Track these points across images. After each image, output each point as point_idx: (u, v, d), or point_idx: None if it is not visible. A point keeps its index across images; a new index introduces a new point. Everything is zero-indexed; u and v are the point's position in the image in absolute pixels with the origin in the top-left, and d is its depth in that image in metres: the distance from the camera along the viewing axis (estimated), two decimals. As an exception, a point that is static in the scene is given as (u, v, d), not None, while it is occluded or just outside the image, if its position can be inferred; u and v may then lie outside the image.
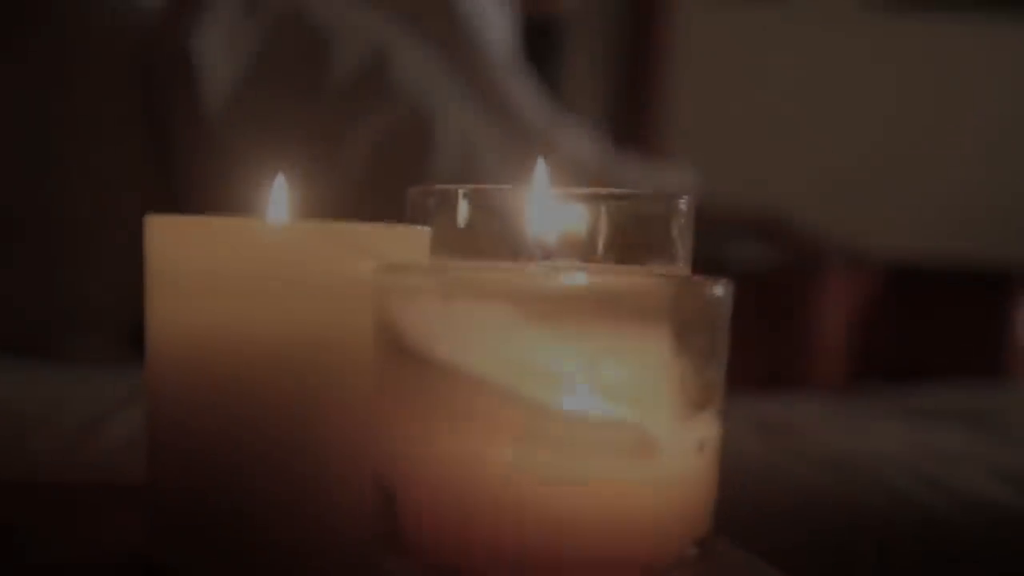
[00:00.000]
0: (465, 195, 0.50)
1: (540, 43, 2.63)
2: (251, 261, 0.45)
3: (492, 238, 0.51)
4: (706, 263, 1.33)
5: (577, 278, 0.43)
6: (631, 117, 3.09)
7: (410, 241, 0.48)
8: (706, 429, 0.42)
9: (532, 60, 2.58)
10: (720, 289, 0.43)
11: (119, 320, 0.93)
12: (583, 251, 0.49)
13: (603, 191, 0.50)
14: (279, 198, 0.49)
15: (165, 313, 0.46)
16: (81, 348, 0.95)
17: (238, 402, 0.45)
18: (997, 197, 3.16)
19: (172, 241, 0.46)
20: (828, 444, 0.78)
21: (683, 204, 0.50)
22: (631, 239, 0.49)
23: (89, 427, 0.71)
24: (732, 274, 1.27)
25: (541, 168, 0.51)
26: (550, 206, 0.50)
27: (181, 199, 1.03)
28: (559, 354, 0.41)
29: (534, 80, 1.85)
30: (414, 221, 0.52)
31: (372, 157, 1.04)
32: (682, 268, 0.50)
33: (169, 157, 1.03)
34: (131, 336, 0.93)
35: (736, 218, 1.75)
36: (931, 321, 1.27)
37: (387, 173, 1.05)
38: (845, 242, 1.77)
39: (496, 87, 1.74)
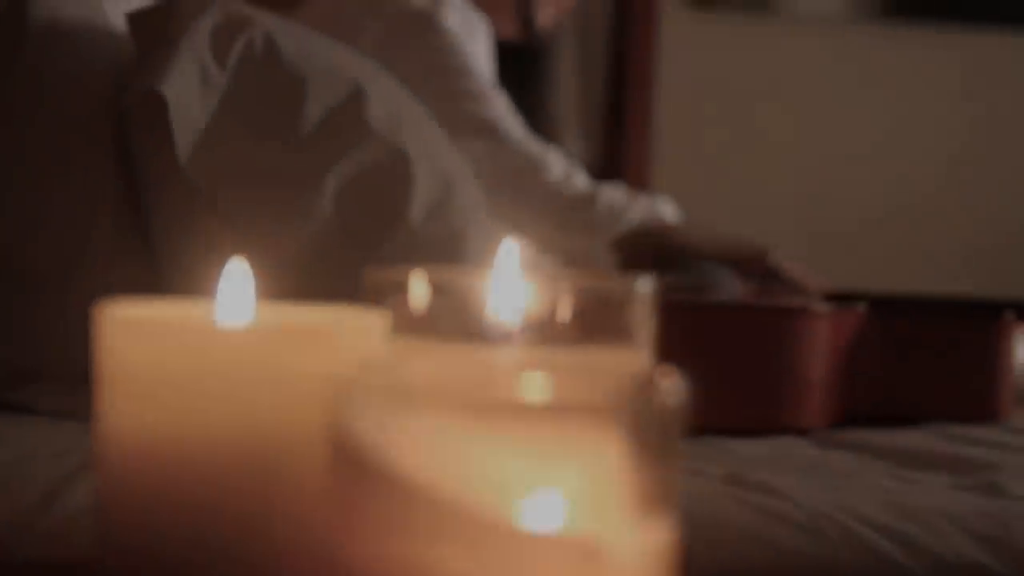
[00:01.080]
0: (423, 277, 0.49)
1: (522, 68, 2.63)
2: (203, 361, 0.44)
3: (452, 320, 0.50)
4: (688, 299, 1.30)
5: (528, 383, 0.42)
6: (614, 146, 3.08)
7: (367, 330, 0.47)
8: (660, 534, 0.41)
9: (514, 85, 2.57)
10: (673, 390, 0.42)
11: (86, 369, 0.92)
12: (543, 334, 0.48)
13: (563, 276, 0.49)
14: (237, 285, 0.48)
15: (116, 410, 0.46)
16: (46, 399, 0.94)
17: (191, 502, 0.45)
18: (989, 228, 3.15)
19: (123, 339, 0.45)
20: (806, 503, 0.77)
21: (643, 288, 0.49)
22: (591, 323, 0.48)
23: (50, 495, 0.70)
24: (714, 310, 1.24)
25: (504, 250, 0.50)
26: (510, 289, 0.49)
27: (156, 245, 1.02)
28: (510, 461, 0.40)
29: (516, 106, 1.85)
30: (372, 301, 0.51)
31: (348, 199, 1.03)
32: (642, 353, 0.49)
33: (142, 202, 1.02)
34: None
35: (719, 252, 1.74)
36: (919, 359, 1.25)
37: (364, 215, 1.04)
38: (832, 277, 1.76)
39: (480, 114, 1.74)
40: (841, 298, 1.37)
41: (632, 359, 0.48)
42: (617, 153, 3.07)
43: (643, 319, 0.49)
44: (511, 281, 0.49)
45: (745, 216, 3.02)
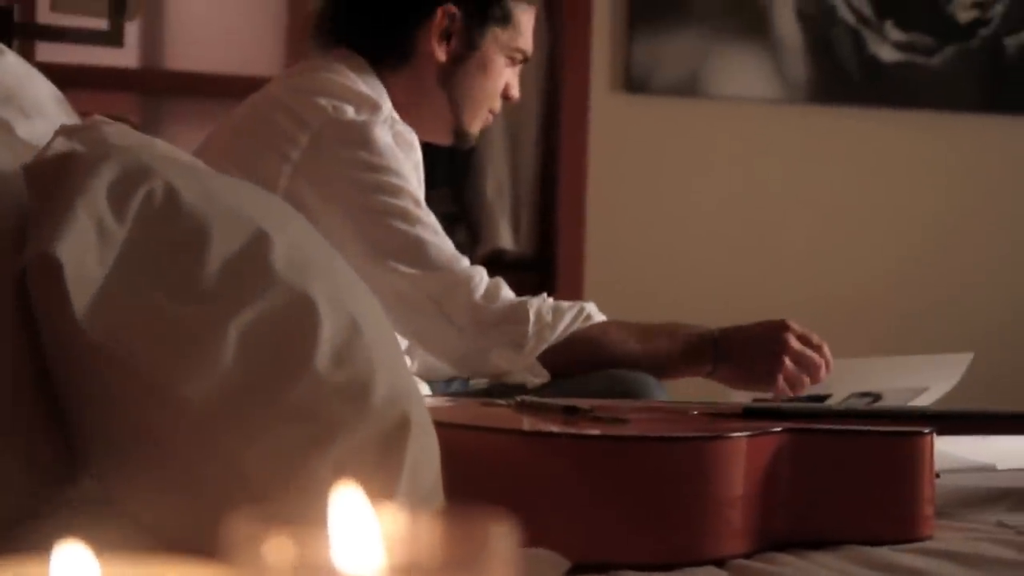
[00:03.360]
0: (275, 532, 0.48)
1: (454, 157, 2.64)
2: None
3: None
4: (598, 435, 1.28)
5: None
6: (546, 229, 3.08)
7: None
8: None
9: (445, 174, 2.56)
10: None
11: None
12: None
13: (422, 521, 0.48)
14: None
15: None
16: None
17: None
18: (918, 298, 3.16)
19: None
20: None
21: (499, 535, 0.48)
22: (446, 560, 0.48)
23: None
24: (624, 443, 1.22)
25: (353, 498, 0.50)
26: (358, 538, 0.48)
27: (61, 405, 1.00)
28: None
29: (448, 196, 1.86)
30: (233, 554, 0.50)
31: (251, 348, 1.02)
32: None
33: (45, 363, 1.00)
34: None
35: (651, 358, 1.74)
36: (837, 479, 1.25)
37: (267, 363, 1.02)
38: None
39: (408, 233, 1.73)
40: (759, 413, 1.37)
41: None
42: (550, 235, 3.07)
43: (502, 559, 0.48)
44: (366, 531, 0.48)
45: (676, 293, 3.03)
